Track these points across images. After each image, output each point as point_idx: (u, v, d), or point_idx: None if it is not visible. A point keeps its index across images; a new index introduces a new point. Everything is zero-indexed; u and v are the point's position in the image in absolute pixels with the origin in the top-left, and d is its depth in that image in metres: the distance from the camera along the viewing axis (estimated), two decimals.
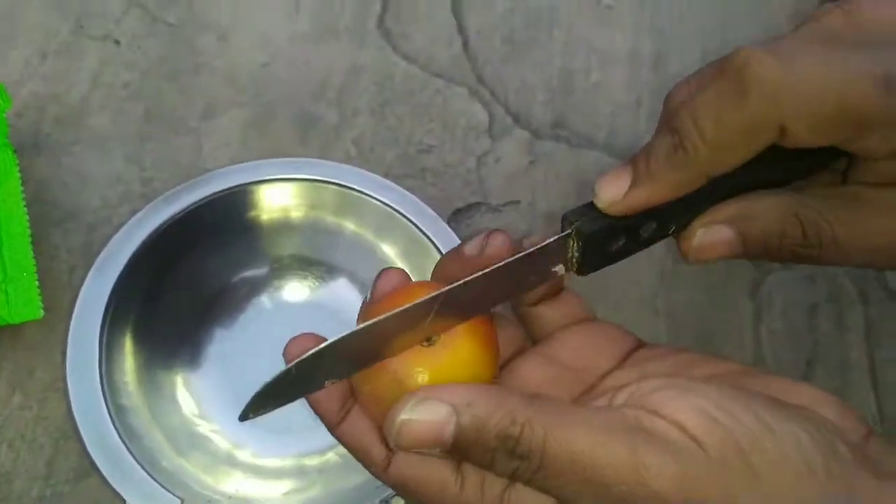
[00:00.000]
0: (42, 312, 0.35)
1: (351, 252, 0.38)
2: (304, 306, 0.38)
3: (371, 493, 0.32)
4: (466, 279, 0.23)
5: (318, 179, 0.38)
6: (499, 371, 0.25)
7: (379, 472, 0.24)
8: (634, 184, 0.24)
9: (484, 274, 0.23)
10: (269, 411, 0.21)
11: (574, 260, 0.24)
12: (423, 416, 0.21)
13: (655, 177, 0.23)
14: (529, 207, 0.43)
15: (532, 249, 0.24)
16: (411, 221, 0.37)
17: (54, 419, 0.35)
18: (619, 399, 0.23)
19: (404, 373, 0.23)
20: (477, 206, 0.42)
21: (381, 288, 0.25)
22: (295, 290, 0.38)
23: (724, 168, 0.23)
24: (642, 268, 0.41)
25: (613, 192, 0.24)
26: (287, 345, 0.23)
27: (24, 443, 0.34)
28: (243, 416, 0.22)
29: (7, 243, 0.36)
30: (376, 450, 0.24)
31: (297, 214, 0.38)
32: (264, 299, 0.38)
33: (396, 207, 0.38)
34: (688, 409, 0.21)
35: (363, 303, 0.25)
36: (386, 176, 0.40)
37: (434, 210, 0.39)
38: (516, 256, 0.23)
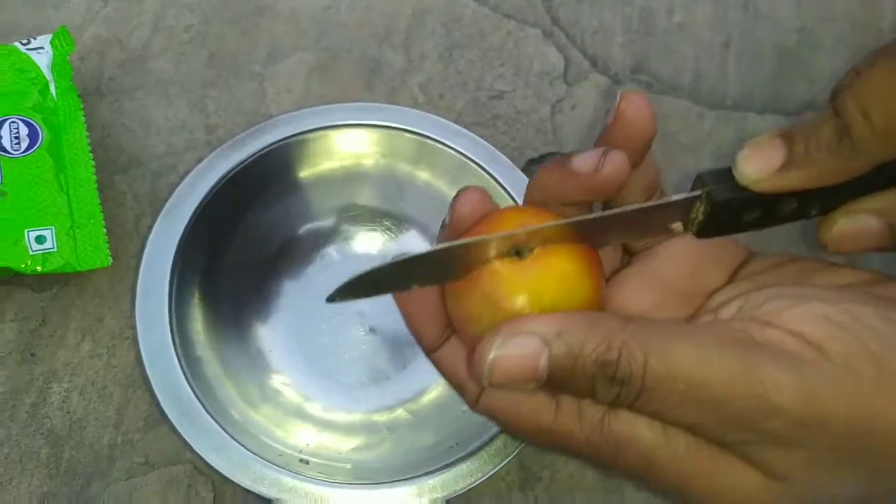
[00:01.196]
0: (110, 260, 0.35)
1: (423, 203, 0.37)
2: (373, 259, 0.36)
3: (443, 455, 0.31)
4: (576, 220, 0.21)
5: (392, 126, 0.36)
6: (606, 292, 0.23)
7: (471, 404, 0.23)
8: (789, 165, 0.21)
9: (596, 219, 0.21)
10: (353, 299, 0.21)
11: (696, 222, 0.23)
12: (512, 352, 0.20)
13: (815, 162, 0.21)
14: None
15: (655, 203, 0.22)
16: (486, 171, 0.35)
17: (123, 367, 0.35)
18: (726, 314, 0.21)
19: (498, 292, 0.21)
20: (551, 156, 0.40)
21: (460, 210, 0.23)
22: (363, 242, 0.37)
23: (891, 157, 0.21)
24: None
25: (760, 168, 0.21)
26: (457, 198, 0.23)
27: (94, 390, 0.34)
28: (331, 299, 0.21)
29: (74, 189, 0.35)
30: (470, 383, 0.23)
31: (368, 162, 0.37)
32: (332, 251, 0.37)
33: (471, 156, 0.36)
34: (805, 317, 0.19)
35: (441, 226, 0.24)
36: (455, 123, 0.38)
37: None
38: (635, 208, 0.22)
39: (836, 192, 0.22)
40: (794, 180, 0.21)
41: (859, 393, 0.19)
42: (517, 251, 0.21)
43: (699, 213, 0.22)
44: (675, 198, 0.22)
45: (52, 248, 0.34)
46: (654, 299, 0.24)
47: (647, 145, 0.23)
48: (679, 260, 0.24)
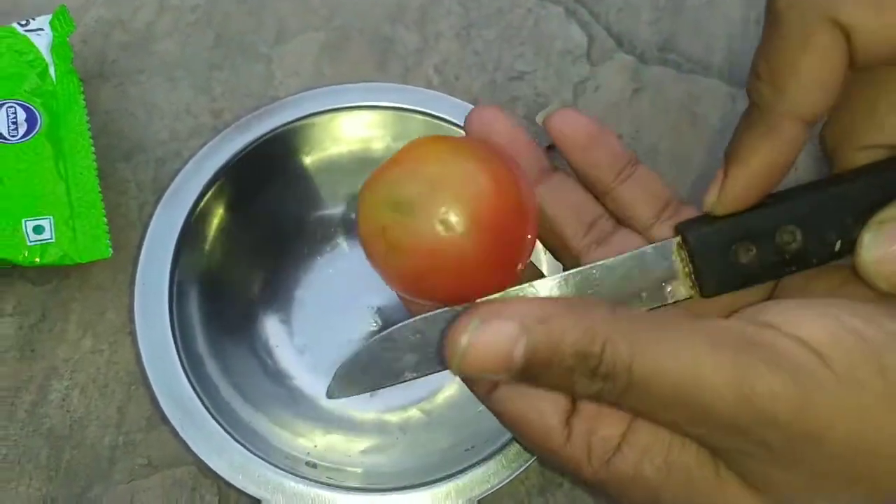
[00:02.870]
0: (111, 251, 0.33)
1: None
2: None
3: (458, 459, 0.29)
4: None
5: (402, 107, 0.34)
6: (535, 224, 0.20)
7: (482, 395, 0.21)
8: (727, 173, 0.21)
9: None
10: (354, 394, 0.21)
11: (690, 276, 0.21)
12: (487, 338, 0.18)
13: (746, 150, 0.20)
14: (633, 142, 0.38)
15: (623, 256, 0.20)
16: None
17: (126, 364, 0.33)
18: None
19: (369, 203, 0.20)
20: None
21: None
22: None
23: (806, 106, 0.20)
24: None
25: (716, 191, 0.21)
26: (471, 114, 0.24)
27: (95, 388, 0.33)
28: (329, 394, 0.21)
29: (73, 177, 0.34)
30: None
31: (378, 146, 0.35)
32: (341, 240, 0.35)
33: None
34: (810, 319, 0.18)
35: None
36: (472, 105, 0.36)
37: None
38: (612, 260, 0.20)
39: (840, 207, 0.20)
40: (738, 181, 0.20)
41: (863, 407, 0.17)
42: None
43: (685, 262, 0.21)
44: (640, 248, 0.20)
45: (50, 238, 0.33)
46: None
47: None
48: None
